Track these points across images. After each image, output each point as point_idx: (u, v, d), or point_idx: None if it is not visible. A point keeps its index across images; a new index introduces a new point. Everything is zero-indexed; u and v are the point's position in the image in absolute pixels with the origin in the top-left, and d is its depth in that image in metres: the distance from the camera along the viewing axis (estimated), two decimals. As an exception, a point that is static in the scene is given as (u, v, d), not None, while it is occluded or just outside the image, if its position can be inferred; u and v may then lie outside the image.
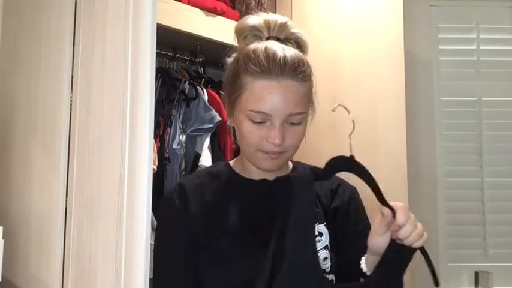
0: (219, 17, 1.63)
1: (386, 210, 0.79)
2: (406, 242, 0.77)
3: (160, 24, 1.30)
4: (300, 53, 0.88)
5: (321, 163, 0.91)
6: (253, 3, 1.77)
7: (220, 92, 1.73)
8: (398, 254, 0.78)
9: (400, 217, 0.77)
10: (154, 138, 1.33)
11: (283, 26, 0.91)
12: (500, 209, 1.93)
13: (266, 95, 0.83)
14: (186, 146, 1.52)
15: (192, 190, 0.94)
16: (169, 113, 1.55)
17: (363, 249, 0.83)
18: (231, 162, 0.98)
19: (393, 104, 1.56)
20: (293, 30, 0.91)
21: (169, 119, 1.54)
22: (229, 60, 0.92)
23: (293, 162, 0.99)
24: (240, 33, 0.92)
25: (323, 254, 0.88)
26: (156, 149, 1.41)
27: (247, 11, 1.77)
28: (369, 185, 0.81)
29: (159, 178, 1.45)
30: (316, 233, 0.88)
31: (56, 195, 1.13)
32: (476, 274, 1.87)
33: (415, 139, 1.89)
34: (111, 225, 1.14)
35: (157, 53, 1.24)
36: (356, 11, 1.65)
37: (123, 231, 1.15)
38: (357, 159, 0.87)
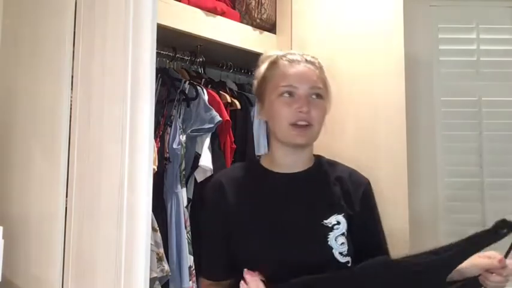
0: (219, 17, 1.63)
1: (507, 261, 0.97)
2: (489, 285, 0.97)
3: (160, 24, 1.30)
4: (314, 57, 1.10)
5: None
6: (253, 3, 1.77)
7: (220, 92, 1.73)
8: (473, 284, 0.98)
9: (508, 270, 0.97)
10: (154, 138, 1.33)
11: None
12: (500, 209, 1.92)
13: (291, 70, 1.05)
14: (186, 146, 1.52)
15: (228, 183, 1.09)
16: (169, 113, 1.55)
17: (377, 233, 1.09)
18: (261, 160, 1.14)
19: (393, 104, 1.56)
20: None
21: (169, 119, 1.54)
22: (260, 67, 1.12)
23: (314, 156, 1.14)
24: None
25: (340, 239, 1.03)
26: (156, 149, 1.41)
27: (248, 11, 1.77)
28: None
29: (159, 178, 1.45)
30: (335, 222, 1.03)
31: (56, 195, 1.13)
32: (476, 274, 1.87)
33: (415, 139, 1.89)
34: (111, 225, 1.14)
35: (157, 53, 1.24)
36: (356, 11, 1.65)
37: (123, 231, 1.15)
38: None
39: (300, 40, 1.74)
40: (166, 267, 1.37)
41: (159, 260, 1.37)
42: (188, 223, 1.49)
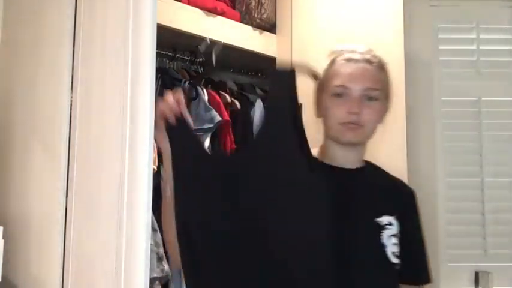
0: (219, 17, 1.63)
1: None
2: None
3: (160, 24, 1.30)
4: (375, 56, 1.08)
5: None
6: (253, 3, 1.77)
7: (220, 92, 1.73)
8: None
9: None
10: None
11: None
12: (500, 209, 1.92)
13: (344, 71, 1.04)
14: (186, 146, 1.52)
15: None
16: (169, 113, 1.55)
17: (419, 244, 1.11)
18: (313, 151, 1.10)
19: (393, 104, 1.56)
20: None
21: (169, 119, 1.54)
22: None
23: (365, 161, 1.14)
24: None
25: (393, 239, 1.03)
26: (156, 149, 1.41)
27: (248, 11, 1.77)
28: None
29: (159, 178, 1.44)
30: (387, 222, 1.03)
31: (55, 195, 1.13)
32: (476, 274, 1.87)
33: (415, 139, 1.89)
34: (111, 225, 1.14)
35: (157, 53, 1.24)
36: (356, 11, 1.65)
37: (123, 231, 1.15)
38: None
39: (300, 40, 1.74)
40: (166, 267, 1.37)
41: (159, 260, 1.37)
42: (188, 223, 1.48)
